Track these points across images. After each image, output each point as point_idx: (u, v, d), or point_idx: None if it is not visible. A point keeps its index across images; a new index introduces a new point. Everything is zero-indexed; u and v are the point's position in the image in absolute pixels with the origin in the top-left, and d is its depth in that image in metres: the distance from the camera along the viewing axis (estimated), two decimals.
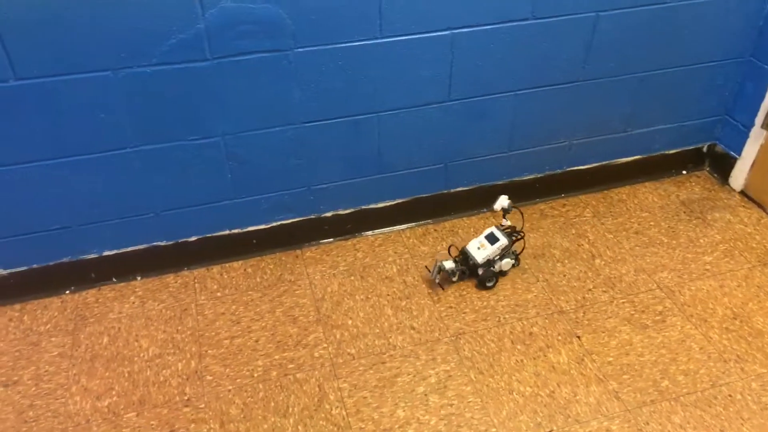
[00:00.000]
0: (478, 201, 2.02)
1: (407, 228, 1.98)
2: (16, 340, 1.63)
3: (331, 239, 1.95)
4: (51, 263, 1.74)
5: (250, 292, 1.76)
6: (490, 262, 1.73)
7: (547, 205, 2.06)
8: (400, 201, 1.95)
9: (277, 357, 1.58)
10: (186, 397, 1.49)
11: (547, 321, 1.66)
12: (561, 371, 1.53)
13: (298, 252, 1.90)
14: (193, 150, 1.65)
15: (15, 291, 1.74)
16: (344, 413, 1.45)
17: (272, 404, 1.47)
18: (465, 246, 1.77)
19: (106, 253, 1.77)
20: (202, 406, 1.47)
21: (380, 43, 1.61)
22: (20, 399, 1.49)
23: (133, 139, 1.58)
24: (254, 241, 1.88)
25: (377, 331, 1.64)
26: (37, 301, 1.75)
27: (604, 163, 2.09)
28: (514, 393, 1.48)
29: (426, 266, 1.82)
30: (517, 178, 2.02)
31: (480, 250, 1.74)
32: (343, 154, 1.79)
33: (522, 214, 1.86)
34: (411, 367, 1.55)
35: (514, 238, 1.79)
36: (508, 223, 1.79)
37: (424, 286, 1.77)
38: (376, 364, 1.56)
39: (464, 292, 1.74)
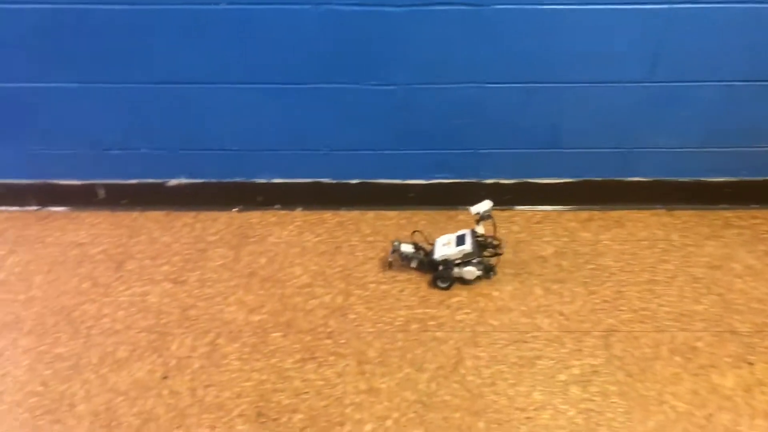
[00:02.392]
0: (656, 195, 1.85)
1: (570, 210, 1.87)
2: (188, 244, 1.79)
3: None
4: (225, 180, 1.87)
5: None
6: (447, 263, 1.60)
7: (733, 214, 1.84)
8: (568, 180, 1.84)
9: (419, 311, 1.58)
10: (329, 330, 1.54)
11: (715, 338, 1.50)
12: (724, 396, 1.38)
13: (452, 213, 1.87)
14: (370, 95, 1.67)
15: (192, 199, 1.89)
16: (479, 382, 1.42)
17: (409, 356, 1.48)
18: (437, 237, 1.66)
19: (275, 180, 1.86)
20: (343, 341, 1.51)
21: (581, 9, 1.49)
22: (185, 298, 1.63)
23: (315, 76, 1.62)
24: (411, 194, 1.88)
25: (523, 308, 1.58)
26: (208, 213, 1.89)
27: None
28: (665, 406, 1.37)
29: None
30: (704, 178, 1.82)
31: (444, 246, 1.62)
32: (515, 121, 1.71)
33: (496, 227, 1.64)
34: (554, 353, 1.48)
35: (489, 250, 1.63)
36: (481, 230, 1.61)
37: (580, 273, 1.67)
38: (517, 341, 1.50)
39: (623, 288, 1.62)
